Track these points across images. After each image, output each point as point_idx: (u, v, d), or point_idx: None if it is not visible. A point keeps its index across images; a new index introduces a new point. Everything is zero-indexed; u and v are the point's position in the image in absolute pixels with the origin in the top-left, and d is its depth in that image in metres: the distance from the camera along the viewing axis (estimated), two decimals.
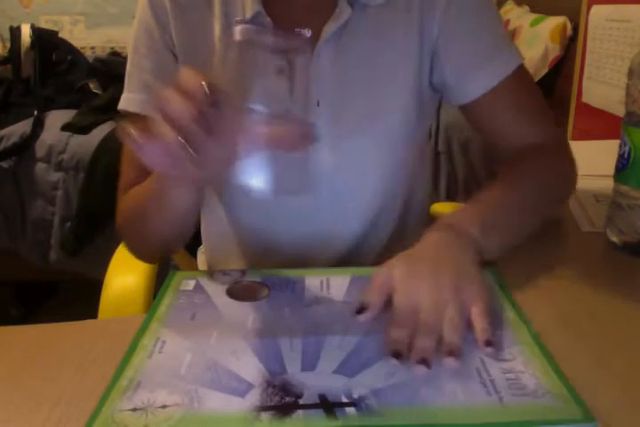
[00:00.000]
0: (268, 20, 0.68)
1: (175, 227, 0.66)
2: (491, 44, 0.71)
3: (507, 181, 0.68)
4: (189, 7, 0.71)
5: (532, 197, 0.68)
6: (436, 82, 0.74)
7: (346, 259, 0.77)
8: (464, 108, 0.74)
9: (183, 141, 0.45)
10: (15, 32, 2.20)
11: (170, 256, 0.90)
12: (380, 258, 0.78)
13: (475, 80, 0.70)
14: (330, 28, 0.68)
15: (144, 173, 0.66)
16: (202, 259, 0.93)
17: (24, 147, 1.88)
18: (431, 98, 0.76)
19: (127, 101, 0.72)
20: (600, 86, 1.52)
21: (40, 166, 1.88)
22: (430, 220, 0.93)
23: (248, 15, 0.69)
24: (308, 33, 0.70)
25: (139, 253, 0.74)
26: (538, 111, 0.74)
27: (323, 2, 0.70)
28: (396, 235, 0.81)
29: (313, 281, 0.61)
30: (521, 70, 0.72)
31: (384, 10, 0.70)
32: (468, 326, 0.50)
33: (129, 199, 0.70)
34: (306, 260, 0.77)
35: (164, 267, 0.81)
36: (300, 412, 0.42)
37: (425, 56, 0.72)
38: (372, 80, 0.71)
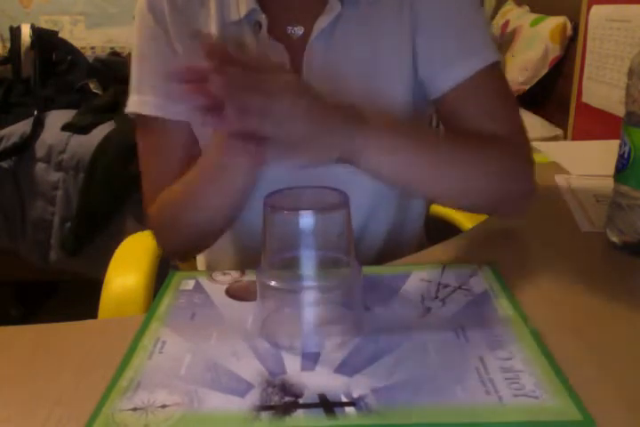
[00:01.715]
0: (263, 16, 0.68)
1: (229, 210, 0.69)
2: (466, 41, 0.70)
3: (450, 133, 0.69)
4: (186, 9, 0.71)
5: (466, 154, 0.65)
6: (419, 78, 0.73)
7: None
8: (435, 103, 0.73)
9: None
10: (15, 32, 2.19)
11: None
12: (377, 258, 0.79)
13: (445, 74, 0.70)
14: (321, 24, 0.68)
15: (177, 163, 0.71)
16: (200, 259, 0.93)
17: (24, 147, 1.88)
18: (424, 93, 0.76)
19: (139, 104, 0.72)
20: (600, 86, 1.52)
21: (40, 166, 1.88)
22: (429, 220, 0.93)
23: (243, 13, 0.69)
24: (300, 31, 0.71)
25: (176, 247, 0.75)
26: (503, 111, 0.72)
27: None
28: (393, 235, 0.80)
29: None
30: (493, 69, 0.70)
31: (375, 6, 0.70)
32: None
33: (170, 193, 0.71)
34: None
35: (163, 267, 0.81)
36: (299, 411, 0.42)
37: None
38: (365, 76, 0.71)
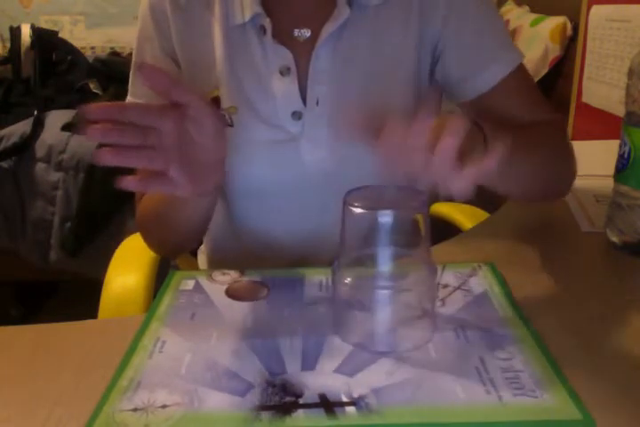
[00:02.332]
0: (268, 20, 0.68)
1: (192, 228, 0.71)
2: (494, 42, 0.72)
3: (517, 127, 0.69)
4: (189, 10, 0.71)
5: (539, 143, 0.67)
6: (439, 79, 0.74)
7: None
8: (469, 104, 0.74)
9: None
10: (15, 32, 2.19)
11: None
12: None
13: (480, 76, 0.71)
14: (329, 29, 0.68)
15: None
16: (202, 259, 0.93)
17: (24, 147, 1.88)
18: (429, 97, 0.76)
19: None
20: (600, 86, 1.52)
21: (40, 166, 1.88)
22: (431, 220, 0.93)
23: (247, 16, 0.69)
24: (307, 33, 0.71)
25: (160, 251, 0.79)
26: (539, 103, 0.75)
27: (322, 2, 0.70)
28: None
29: (313, 281, 0.61)
30: (522, 67, 0.73)
31: (383, 10, 0.70)
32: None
33: (146, 203, 0.74)
34: (306, 260, 0.77)
35: (164, 267, 0.81)
36: (300, 411, 0.42)
37: (424, 55, 0.72)
38: (370, 80, 0.71)
